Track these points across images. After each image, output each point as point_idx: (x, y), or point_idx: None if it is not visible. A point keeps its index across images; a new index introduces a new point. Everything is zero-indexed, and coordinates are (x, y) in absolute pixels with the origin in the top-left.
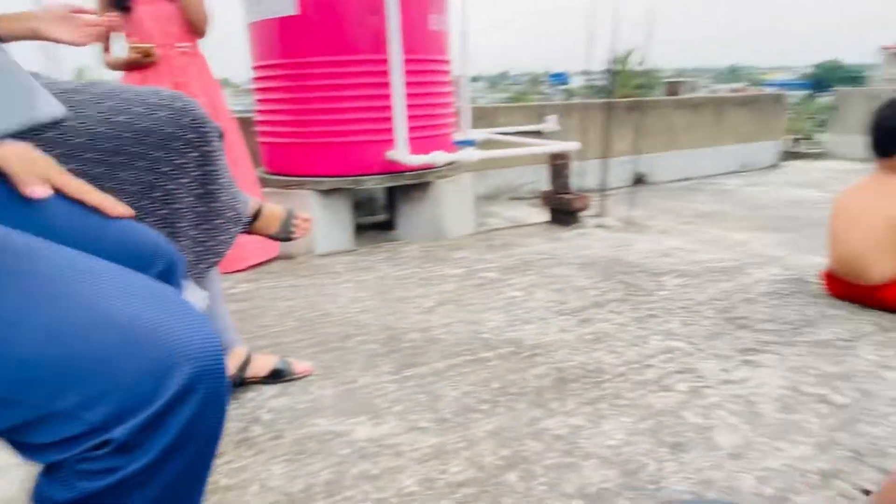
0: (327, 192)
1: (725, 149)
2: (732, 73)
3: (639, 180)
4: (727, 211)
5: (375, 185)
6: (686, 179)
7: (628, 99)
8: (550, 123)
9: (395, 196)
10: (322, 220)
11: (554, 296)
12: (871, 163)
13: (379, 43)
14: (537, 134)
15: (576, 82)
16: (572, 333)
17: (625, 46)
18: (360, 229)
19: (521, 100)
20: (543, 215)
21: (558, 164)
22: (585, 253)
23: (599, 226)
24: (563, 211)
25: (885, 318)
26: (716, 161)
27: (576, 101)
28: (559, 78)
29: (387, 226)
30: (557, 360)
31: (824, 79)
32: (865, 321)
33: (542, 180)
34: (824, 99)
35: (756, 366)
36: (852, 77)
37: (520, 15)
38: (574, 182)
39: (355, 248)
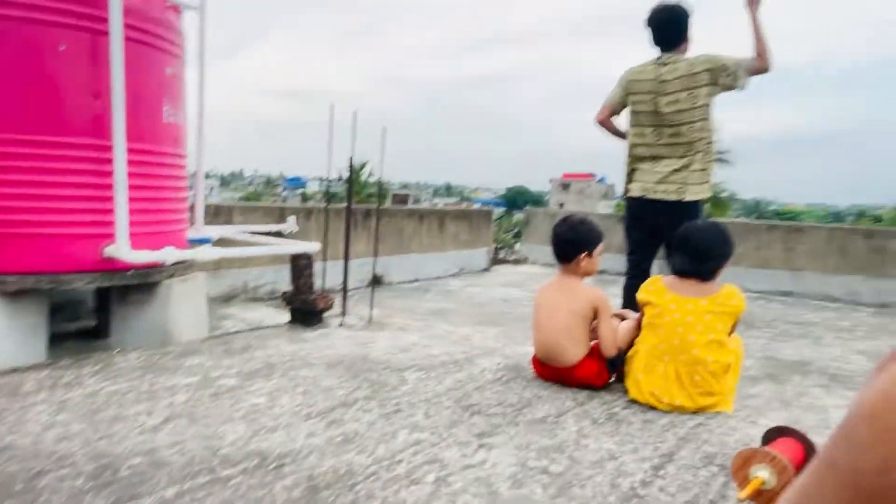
0: (14, 295)
1: (448, 254)
2: (448, 190)
3: (376, 281)
4: (453, 308)
5: (85, 285)
6: (417, 280)
7: (365, 205)
8: (290, 224)
9: (111, 298)
10: (4, 329)
11: (301, 399)
12: (556, 266)
13: (101, 127)
14: (277, 234)
15: (312, 187)
16: (321, 437)
17: (360, 158)
18: (60, 339)
19: (256, 200)
20: (285, 316)
21: (300, 265)
22: (330, 353)
23: (342, 325)
24: (307, 311)
25: (580, 394)
26: (440, 264)
27: (312, 204)
28: (296, 182)
29: (97, 333)
30: (307, 467)
31: (516, 199)
32: (568, 398)
33: (282, 281)
34: (518, 215)
35: (490, 448)
36: (536, 200)
37: (256, 117)
38: (316, 282)
39: (52, 361)
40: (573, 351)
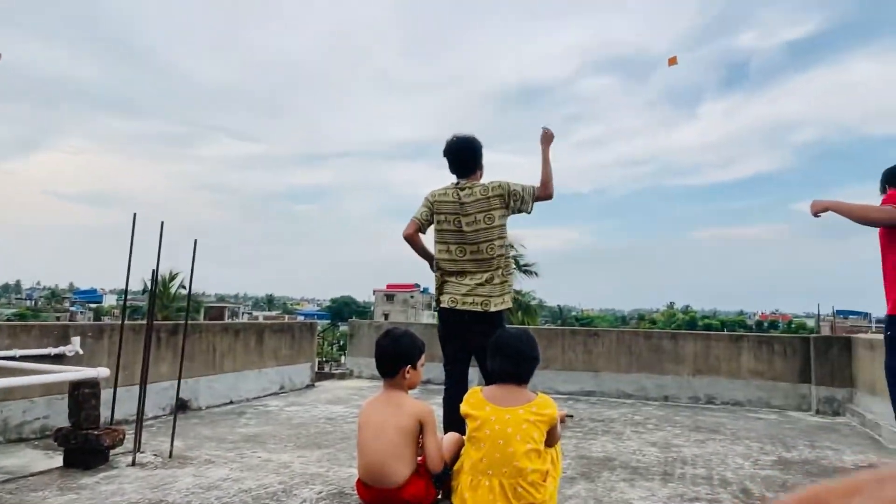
0: None
1: (267, 371)
2: (270, 302)
3: (182, 406)
4: (271, 432)
5: None
6: (231, 403)
7: (170, 322)
8: (73, 346)
9: None
10: None
11: None
12: (380, 380)
13: None
14: (56, 359)
15: (110, 301)
16: None
17: (169, 269)
18: None
19: (34, 317)
20: (58, 459)
21: (82, 394)
22: (115, 500)
23: (135, 464)
24: (88, 450)
25: None
26: (259, 383)
27: (107, 321)
28: (89, 295)
29: None
30: None
31: (342, 311)
32: None
33: (59, 415)
34: (344, 327)
35: None
36: (362, 311)
37: (44, 222)
38: (103, 414)
39: None
40: (401, 471)
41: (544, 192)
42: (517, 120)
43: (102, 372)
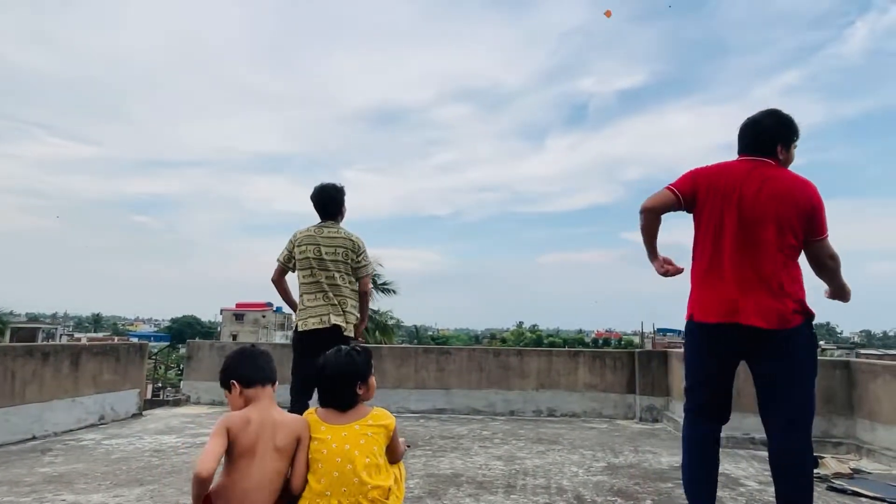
0: None
1: (83, 399)
2: (97, 322)
3: None
4: (82, 470)
5: None
6: (33, 439)
7: None
8: None
9: None
10: None
11: None
12: (221, 407)
13: None
14: None
15: None
16: None
17: None
18: None
19: None
20: None
21: None
22: None
23: None
24: None
25: None
26: (72, 413)
27: None
28: None
29: None
30: None
31: (183, 332)
32: None
33: None
34: (183, 349)
35: None
36: (207, 332)
37: None
38: None
39: None
40: (272, 498)
41: (362, 288)
42: (377, 140)
43: None
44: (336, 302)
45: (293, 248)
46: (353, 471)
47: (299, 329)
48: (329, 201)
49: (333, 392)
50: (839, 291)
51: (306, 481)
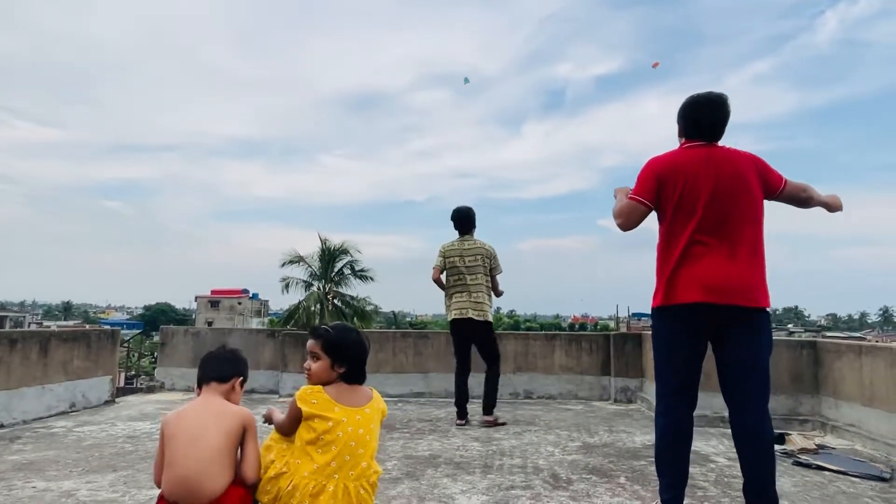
0: None
1: (53, 387)
2: (67, 310)
3: None
4: (53, 457)
5: None
6: (1, 427)
7: None
8: None
9: None
10: None
11: None
12: (198, 390)
13: None
14: None
15: None
16: None
17: None
18: None
19: None
20: None
21: None
22: None
23: None
24: None
25: None
26: (42, 401)
27: None
28: None
29: None
30: None
31: (156, 319)
32: None
33: None
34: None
35: None
36: (181, 319)
37: None
38: None
39: None
40: (221, 480)
41: (496, 288)
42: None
43: None
44: (475, 298)
45: (444, 258)
46: (364, 455)
47: (449, 319)
48: (465, 220)
49: (361, 370)
50: (829, 206)
51: (258, 471)
